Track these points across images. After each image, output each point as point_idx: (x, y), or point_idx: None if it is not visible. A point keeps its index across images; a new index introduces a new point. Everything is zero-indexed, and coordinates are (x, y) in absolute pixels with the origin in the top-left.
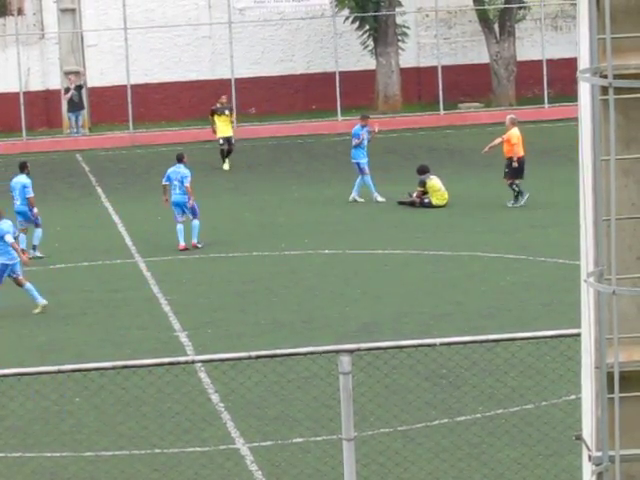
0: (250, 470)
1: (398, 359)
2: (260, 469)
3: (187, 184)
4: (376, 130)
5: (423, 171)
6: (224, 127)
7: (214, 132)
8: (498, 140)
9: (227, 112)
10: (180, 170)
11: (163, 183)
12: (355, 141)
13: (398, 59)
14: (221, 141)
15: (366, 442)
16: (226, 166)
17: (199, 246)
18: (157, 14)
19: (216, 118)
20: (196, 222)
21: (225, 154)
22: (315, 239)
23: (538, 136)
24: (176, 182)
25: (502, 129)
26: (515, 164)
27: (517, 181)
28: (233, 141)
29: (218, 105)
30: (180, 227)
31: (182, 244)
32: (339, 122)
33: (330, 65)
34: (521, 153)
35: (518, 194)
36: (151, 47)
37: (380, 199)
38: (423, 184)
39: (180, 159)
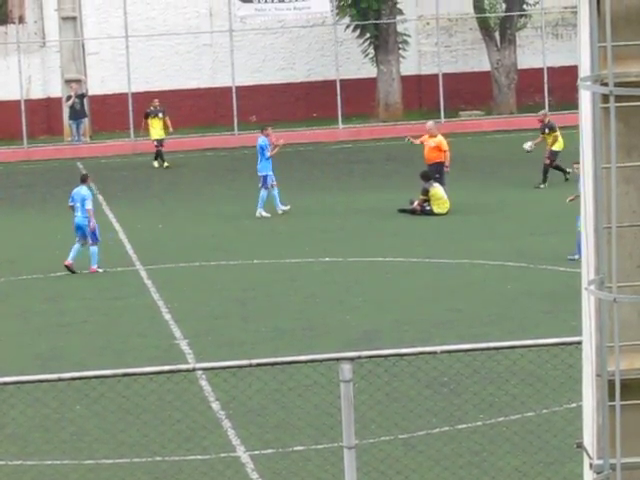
0: (251, 478)
1: (399, 367)
2: (261, 477)
3: (88, 207)
4: (281, 143)
5: (427, 177)
6: (157, 129)
7: (148, 134)
8: (416, 141)
9: (160, 115)
10: (81, 191)
11: (69, 204)
12: (267, 153)
13: (399, 67)
14: (155, 142)
15: (367, 450)
16: (156, 164)
17: (99, 271)
18: (158, 22)
19: (150, 120)
20: (94, 248)
21: (157, 154)
22: (316, 247)
23: (538, 144)
24: (78, 204)
25: (504, 137)
26: (447, 170)
27: (435, 184)
28: (163, 142)
29: (151, 108)
30: (77, 246)
31: (69, 261)
32: (340, 130)
33: (331, 73)
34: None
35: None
36: (152, 55)
37: (267, 214)
38: (426, 192)
39: (83, 180)
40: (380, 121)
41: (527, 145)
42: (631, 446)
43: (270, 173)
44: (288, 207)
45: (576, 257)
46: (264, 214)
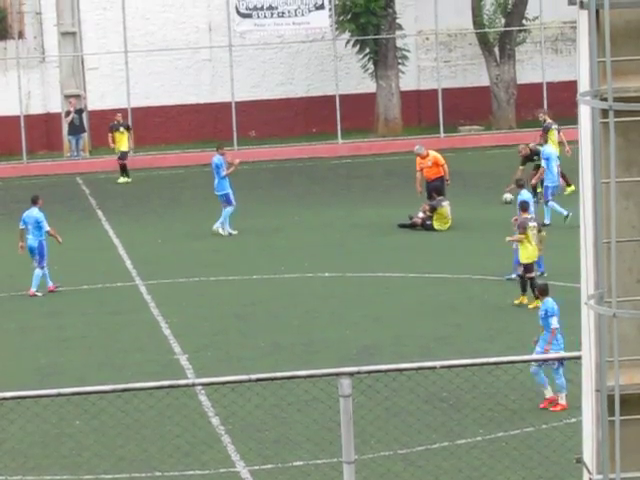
0: None
1: (398, 382)
2: None
3: (47, 228)
4: (237, 162)
5: (438, 194)
6: (119, 143)
7: (112, 147)
8: (419, 175)
9: (121, 129)
10: (33, 213)
11: (20, 227)
12: (223, 172)
13: (398, 82)
14: (119, 156)
15: (367, 465)
16: (121, 180)
17: (38, 295)
18: (157, 37)
19: (113, 134)
20: (38, 272)
21: (122, 169)
22: (315, 262)
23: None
24: (29, 226)
25: (503, 152)
26: (438, 183)
27: (444, 202)
28: (127, 155)
29: (115, 122)
30: (38, 272)
31: (50, 285)
32: (339, 145)
33: (330, 88)
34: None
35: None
36: (151, 70)
37: (226, 232)
38: (433, 209)
39: (34, 201)
40: (379, 136)
41: (507, 196)
42: (630, 461)
43: (228, 191)
44: (235, 232)
45: (513, 276)
46: (230, 231)
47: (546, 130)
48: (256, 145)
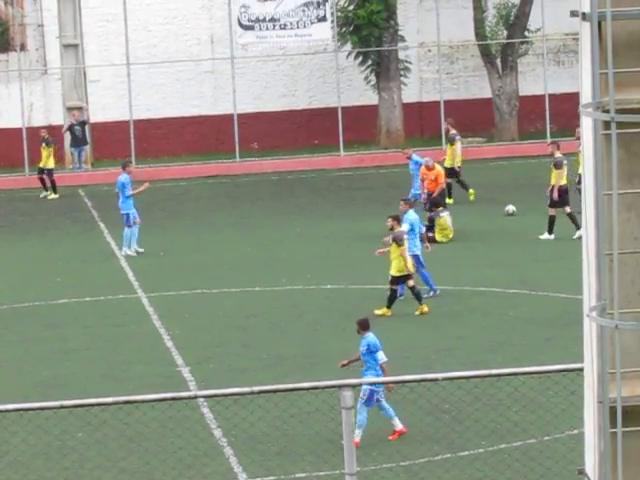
0: None
1: (400, 394)
2: None
3: (130, 192)
4: (145, 186)
5: (436, 206)
6: (44, 158)
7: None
8: (421, 183)
9: (44, 145)
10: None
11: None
12: (129, 191)
13: (400, 94)
14: (45, 171)
15: (369, 477)
16: (44, 194)
17: (131, 253)
18: (159, 50)
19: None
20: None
21: (44, 183)
22: (317, 274)
23: (540, 171)
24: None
25: (506, 164)
26: (435, 195)
27: (443, 213)
28: (47, 172)
29: (43, 137)
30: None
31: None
32: (341, 157)
33: (332, 100)
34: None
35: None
36: (153, 82)
37: (133, 252)
38: (432, 221)
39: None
40: (382, 148)
41: (509, 208)
42: (633, 473)
43: (132, 211)
44: (142, 250)
45: (430, 294)
46: (129, 252)
47: (451, 141)
48: (258, 157)
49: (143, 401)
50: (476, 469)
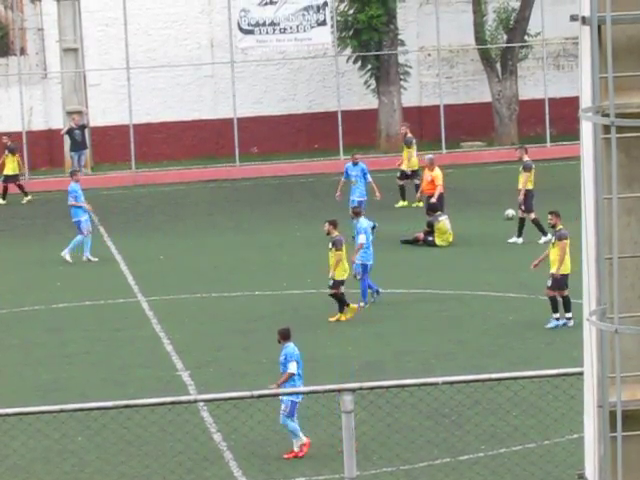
0: None
1: (400, 398)
2: None
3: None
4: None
5: (434, 210)
6: (8, 166)
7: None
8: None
9: (7, 152)
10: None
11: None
12: (71, 201)
13: (400, 98)
14: (9, 179)
15: None
16: (26, 199)
17: None
18: (159, 54)
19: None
20: None
21: (21, 189)
22: (317, 278)
23: (540, 175)
24: None
25: (505, 168)
26: (434, 200)
27: (442, 217)
28: (15, 179)
29: (8, 144)
30: None
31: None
32: (341, 161)
33: (332, 104)
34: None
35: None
36: (153, 86)
37: (92, 259)
38: (430, 226)
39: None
40: (381, 152)
41: (509, 212)
42: (633, 477)
43: (84, 218)
44: (95, 259)
45: (361, 305)
46: (68, 259)
47: (408, 144)
48: (258, 161)
49: (143, 405)
50: (476, 473)
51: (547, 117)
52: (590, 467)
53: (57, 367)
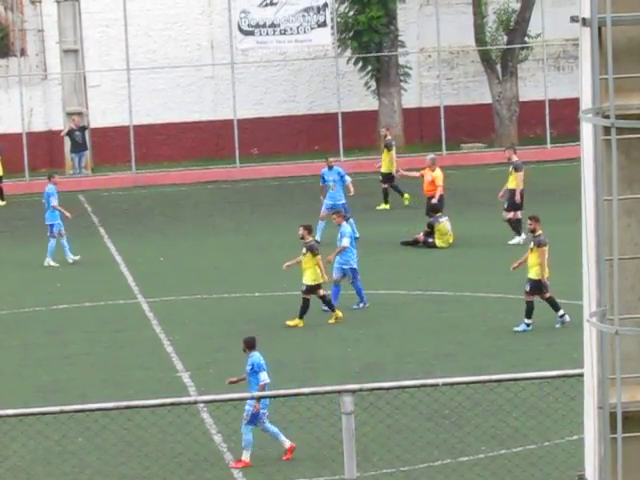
0: None
1: (400, 399)
2: None
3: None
4: (67, 213)
5: (435, 211)
6: None
7: None
8: (415, 174)
9: None
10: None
11: None
12: (54, 202)
13: (400, 99)
14: None
15: None
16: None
17: None
18: (159, 55)
19: None
20: None
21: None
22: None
23: (541, 176)
24: None
25: (506, 169)
26: (435, 201)
27: (442, 219)
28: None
29: None
30: None
31: None
32: (341, 162)
33: (333, 105)
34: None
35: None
36: (153, 88)
37: (55, 263)
38: (431, 227)
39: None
40: (381, 154)
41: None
42: (633, 478)
43: (57, 222)
44: (77, 257)
45: (360, 305)
46: (52, 263)
47: (388, 147)
48: (258, 162)
49: (143, 406)
50: (476, 474)
51: (547, 118)
52: (590, 468)
53: (57, 368)
